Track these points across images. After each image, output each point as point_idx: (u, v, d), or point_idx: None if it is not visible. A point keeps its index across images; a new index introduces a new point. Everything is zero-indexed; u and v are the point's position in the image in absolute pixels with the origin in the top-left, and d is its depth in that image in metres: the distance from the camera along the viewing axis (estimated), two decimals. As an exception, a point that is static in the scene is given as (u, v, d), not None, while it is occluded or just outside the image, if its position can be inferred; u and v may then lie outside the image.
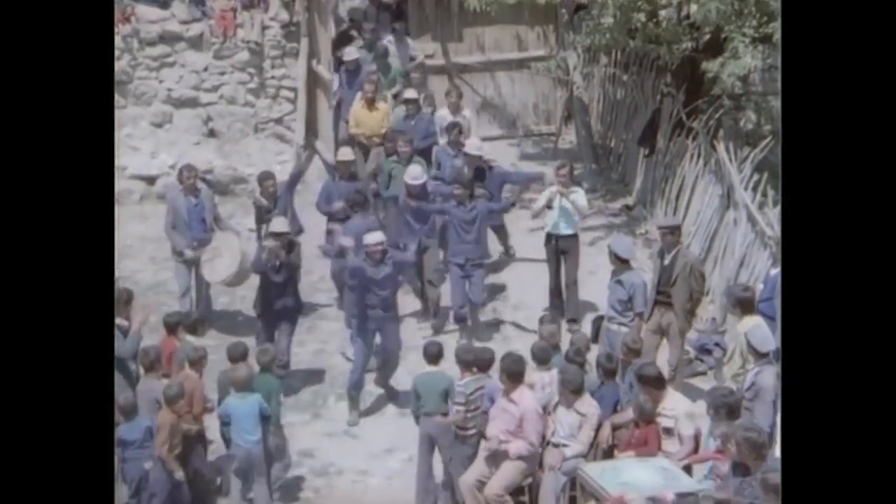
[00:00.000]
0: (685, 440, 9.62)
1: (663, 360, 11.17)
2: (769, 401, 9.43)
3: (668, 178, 15.23)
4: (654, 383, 9.63)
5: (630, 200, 16.26)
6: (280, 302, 11.92)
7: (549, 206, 13.07)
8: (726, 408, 9.33)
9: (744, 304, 10.57)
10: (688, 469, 9.42)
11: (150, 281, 14.14)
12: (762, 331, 10.03)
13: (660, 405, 9.63)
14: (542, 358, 10.27)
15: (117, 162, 14.25)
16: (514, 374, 9.75)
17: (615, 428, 9.83)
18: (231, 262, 12.68)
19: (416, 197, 13.26)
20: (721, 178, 13.83)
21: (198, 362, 10.35)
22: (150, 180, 16.28)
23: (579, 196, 13.11)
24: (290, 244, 12.00)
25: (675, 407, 9.70)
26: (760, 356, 9.77)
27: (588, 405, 9.79)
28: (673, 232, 11.70)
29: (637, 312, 11.42)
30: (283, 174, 15.00)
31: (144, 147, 16.59)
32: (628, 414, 9.79)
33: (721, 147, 13.97)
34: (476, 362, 10.23)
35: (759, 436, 8.65)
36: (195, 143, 16.85)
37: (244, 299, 13.26)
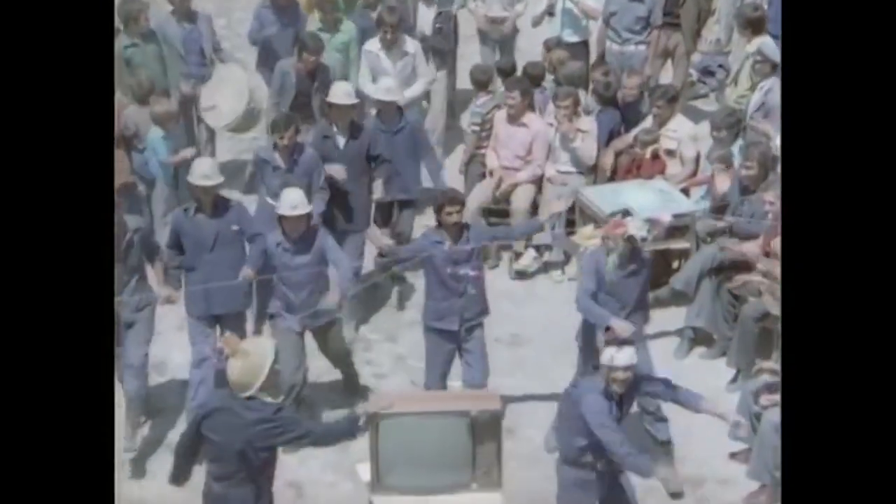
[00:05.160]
0: (686, 162, 9.71)
1: (667, 82, 11.05)
2: (778, 118, 9.41)
3: None
4: (672, 101, 9.71)
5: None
6: None
7: (550, 12, 11.15)
8: (732, 128, 9.38)
9: (754, 25, 10.35)
10: (685, 192, 9.54)
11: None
12: (774, 44, 9.90)
13: (664, 127, 9.65)
14: (535, 74, 10.32)
15: None
16: (528, 93, 9.79)
17: (617, 154, 9.86)
18: (236, 101, 10.45)
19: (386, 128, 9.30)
20: None
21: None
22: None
23: None
24: None
25: (678, 129, 9.75)
26: (774, 69, 9.67)
27: (587, 122, 9.85)
28: (683, -52, 11.32)
29: (655, 26, 11.04)
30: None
31: None
32: (628, 138, 9.81)
33: None
34: (493, 78, 10.31)
35: (770, 148, 8.73)
36: None
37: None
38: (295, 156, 8.68)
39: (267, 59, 10.66)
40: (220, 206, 7.97)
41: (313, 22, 10.65)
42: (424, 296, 7.97)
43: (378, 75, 10.14)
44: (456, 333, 7.84)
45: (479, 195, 9.91)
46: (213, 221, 7.92)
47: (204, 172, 7.90)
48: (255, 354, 5.98)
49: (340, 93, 9.03)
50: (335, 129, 9.07)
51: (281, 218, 7.86)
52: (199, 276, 7.93)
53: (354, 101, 9.16)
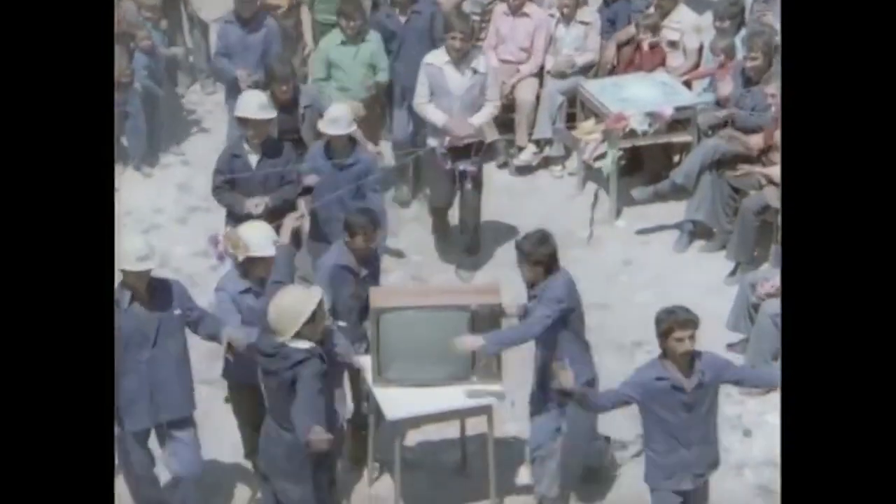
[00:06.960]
0: (689, 53, 9.65)
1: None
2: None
3: None
4: None
5: None
6: None
7: None
8: (735, 18, 9.27)
9: None
10: (688, 84, 9.47)
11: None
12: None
13: (667, 18, 9.55)
14: None
15: None
16: None
17: (619, 46, 9.76)
18: None
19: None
20: None
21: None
22: None
23: None
24: None
25: (681, 20, 9.66)
26: None
27: (589, 14, 9.75)
28: None
29: None
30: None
31: None
32: (631, 30, 9.70)
33: None
34: None
35: (771, 36, 8.65)
36: None
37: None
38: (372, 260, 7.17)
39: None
40: (158, 290, 6.37)
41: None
42: (643, 445, 6.18)
43: (439, 95, 8.47)
44: (690, 493, 6.05)
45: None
46: (154, 310, 6.33)
47: (139, 254, 6.23)
48: (297, 301, 5.74)
49: (252, 105, 7.72)
50: (246, 146, 7.78)
51: (249, 258, 6.55)
52: (138, 379, 6.33)
53: (271, 115, 7.79)
